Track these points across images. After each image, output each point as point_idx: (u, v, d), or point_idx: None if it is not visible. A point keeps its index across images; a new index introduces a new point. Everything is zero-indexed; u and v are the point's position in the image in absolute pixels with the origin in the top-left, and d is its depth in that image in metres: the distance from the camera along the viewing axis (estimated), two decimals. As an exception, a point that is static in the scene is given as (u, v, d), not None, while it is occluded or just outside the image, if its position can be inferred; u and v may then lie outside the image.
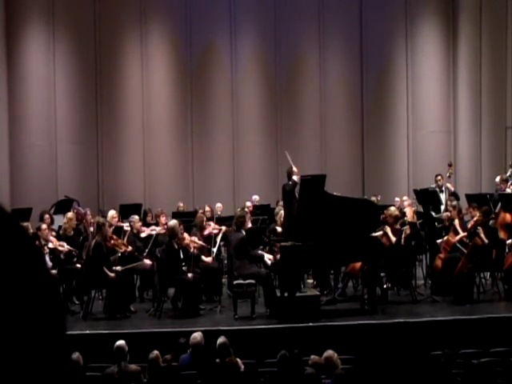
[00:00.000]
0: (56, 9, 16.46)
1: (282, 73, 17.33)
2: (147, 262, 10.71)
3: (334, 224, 9.77)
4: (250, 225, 11.04)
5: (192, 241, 10.50)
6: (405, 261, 10.47)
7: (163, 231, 11.21)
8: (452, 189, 13.49)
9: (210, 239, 11.13)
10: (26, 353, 0.84)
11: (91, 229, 11.79)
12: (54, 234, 11.18)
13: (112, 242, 10.41)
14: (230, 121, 17.17)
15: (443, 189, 13.34)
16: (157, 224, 11.65)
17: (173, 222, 10.47)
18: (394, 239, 10.51)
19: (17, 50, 16.36)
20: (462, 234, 10.60)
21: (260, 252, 10.49)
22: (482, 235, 10.30)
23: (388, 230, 10.63)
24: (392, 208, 11.17)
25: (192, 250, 10.39)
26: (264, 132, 17.29)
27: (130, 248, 10.54)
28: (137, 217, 11.84)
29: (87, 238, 10.93)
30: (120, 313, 10.01)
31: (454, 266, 10.31)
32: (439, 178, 13.51)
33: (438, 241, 11.11)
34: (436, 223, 11.75)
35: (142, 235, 11.43)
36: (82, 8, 16.59)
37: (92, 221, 12.17)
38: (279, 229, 11.41)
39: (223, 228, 11.37)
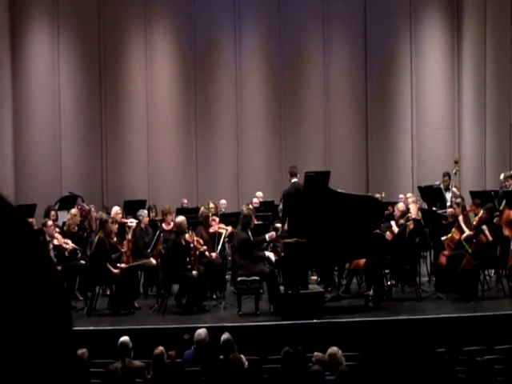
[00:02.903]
0: (60, 4, 16.45)
1: (286, 67, 17.28)
2: (153, 261, 10.68)
3: (337, 221, 9.77)
4: (256, 221, 10.99)
5: (198, 241, 10.47)
6: (409, 258, 10.48)
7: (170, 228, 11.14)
8: (458, 193, 13.20)
9: (214, 236, 11.09)
10: (32, 348, 0.84)
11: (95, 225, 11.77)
12: (58, 230, 11.17)
13: (115, 239, 10.40)
14: (233, 116, 17.14)
15: (450, 187, 13.20)
16: (163, 221, 11.61)
17: (180, 218, 10.39)
18: (396, 230, 10.58)
19: (21, 45, 16.34)
20: (467, 231, 10.59)
21: (263, 253, 10.43)
22: (487, 232, 10.30)
23: (393, 224, 10.75)
24: (400, 203, 11.53)
25: (193, 245, 10.28)
26: (268, 127, 17.25)
27: (125, 248, 10.47)
28: (145, 212, 11.78)
29: (91, 235, 10.92)
30: (124, 309, 10.03)
31: (458, 263, 10.30)
32: (446, 178, 13.32)
33: (443, 238, 11.10)
34: (443, 221, 11.74)
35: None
36: (86, 3, 16.59)
37: (96, 217, 12.15)
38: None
39: (229, 228, 11.29)
